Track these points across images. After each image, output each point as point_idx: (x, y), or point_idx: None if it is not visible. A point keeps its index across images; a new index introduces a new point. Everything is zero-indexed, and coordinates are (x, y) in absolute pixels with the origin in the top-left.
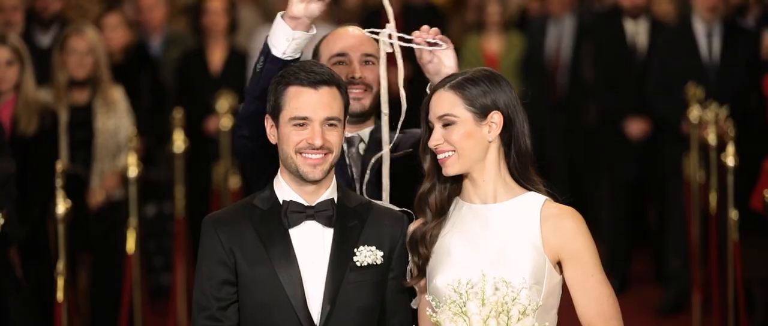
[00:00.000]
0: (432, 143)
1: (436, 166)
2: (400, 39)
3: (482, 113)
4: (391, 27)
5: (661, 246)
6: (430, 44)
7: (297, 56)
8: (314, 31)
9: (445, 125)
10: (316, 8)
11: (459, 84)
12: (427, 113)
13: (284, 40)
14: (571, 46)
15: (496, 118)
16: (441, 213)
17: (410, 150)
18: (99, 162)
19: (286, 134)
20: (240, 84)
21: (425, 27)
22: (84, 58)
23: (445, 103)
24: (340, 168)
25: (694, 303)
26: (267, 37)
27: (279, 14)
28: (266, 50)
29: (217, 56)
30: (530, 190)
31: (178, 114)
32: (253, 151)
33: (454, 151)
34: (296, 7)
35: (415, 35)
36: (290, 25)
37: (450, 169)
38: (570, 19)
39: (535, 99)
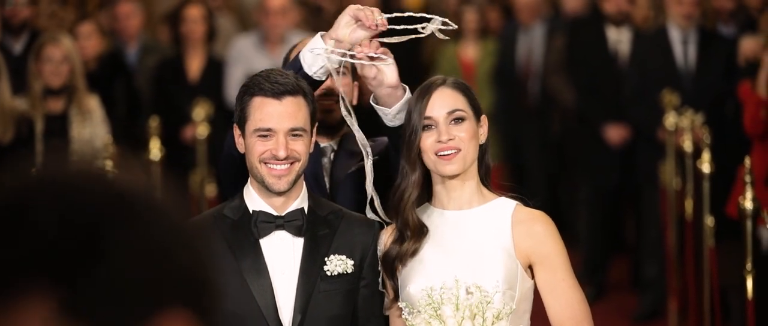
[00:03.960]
0: (443, 137)
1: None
2: (342, 55)
3: (477, 116)
4: (331, 43)
5: (637, 253)
6: (371, 58)
7: (324, 79)
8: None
9: (456, 120)
10: (363, 35)
11: (459, 84)
12: (421, 113)
13: (320, 59)
14: (542, 53)
15: (485, 122)
16: (422, 228)
17: (377, 157)
18: None
19: (251, 145)
20: (217, 92)
21: (366, 41)
22: (59, 67)
23: (452, 99)
24: (313, 178)
25: (670, 309)
26: (298, 52)
27: (319, 34)
28: (297, 65)
29: (195, 64)
30: (501, 196)
31: (153, 122)
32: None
33: (461, 149)
34: (341, 32)
35: (357, 50)
36: (331, 46)
37: (454, 168)
38: (540, 27)
39: (508, 108)
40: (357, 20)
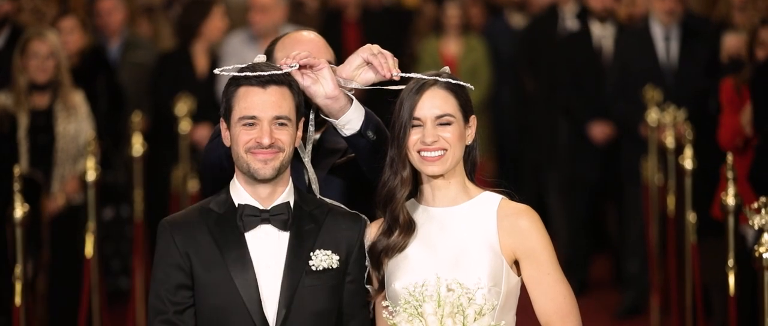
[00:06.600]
0: (428, 139)
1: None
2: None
3: (467, 116)
4: (261, 57)
5: (619, 250)
6: (302, 67)
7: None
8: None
9: (443, 124)
10: (371, 78)
11: (452, 85)
12: (411, 111)
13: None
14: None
15: (473, 122)
16: (411, 224)
17: (353, 155)
18: (60, 166)
19: (237, 134)
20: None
21: (294, 52)
22: (45, 62)
23: (442, 101)
24: (295, 173)
25: (652, 306)
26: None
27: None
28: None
29: (202, 61)
30: (486, 191)
31: (136, 117)
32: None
33: (446, 150)
34: (352, 73)
35: (282, 63)
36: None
37: (438, 169)
38: None
39: (508, 101)
40: (368, 63)
